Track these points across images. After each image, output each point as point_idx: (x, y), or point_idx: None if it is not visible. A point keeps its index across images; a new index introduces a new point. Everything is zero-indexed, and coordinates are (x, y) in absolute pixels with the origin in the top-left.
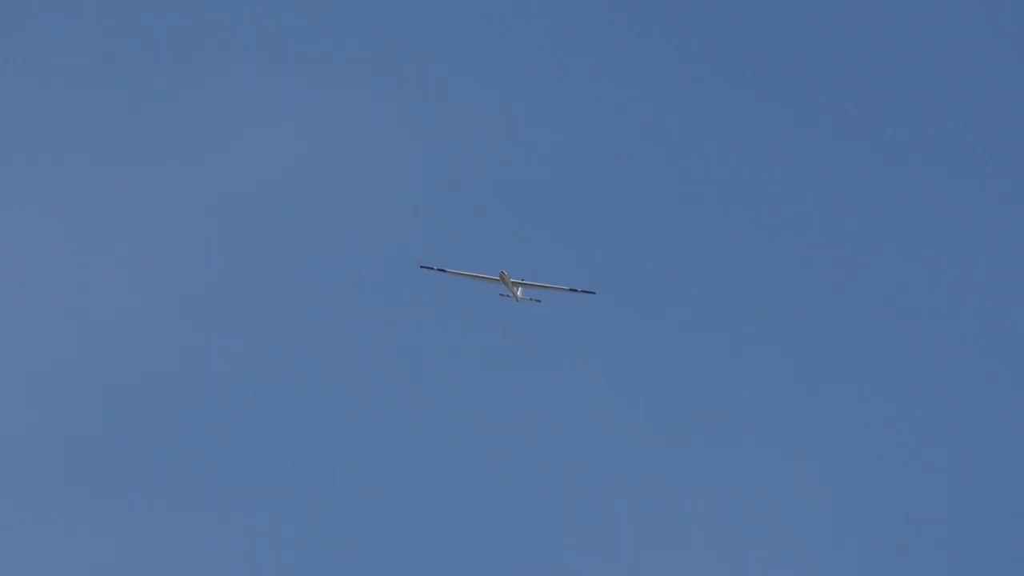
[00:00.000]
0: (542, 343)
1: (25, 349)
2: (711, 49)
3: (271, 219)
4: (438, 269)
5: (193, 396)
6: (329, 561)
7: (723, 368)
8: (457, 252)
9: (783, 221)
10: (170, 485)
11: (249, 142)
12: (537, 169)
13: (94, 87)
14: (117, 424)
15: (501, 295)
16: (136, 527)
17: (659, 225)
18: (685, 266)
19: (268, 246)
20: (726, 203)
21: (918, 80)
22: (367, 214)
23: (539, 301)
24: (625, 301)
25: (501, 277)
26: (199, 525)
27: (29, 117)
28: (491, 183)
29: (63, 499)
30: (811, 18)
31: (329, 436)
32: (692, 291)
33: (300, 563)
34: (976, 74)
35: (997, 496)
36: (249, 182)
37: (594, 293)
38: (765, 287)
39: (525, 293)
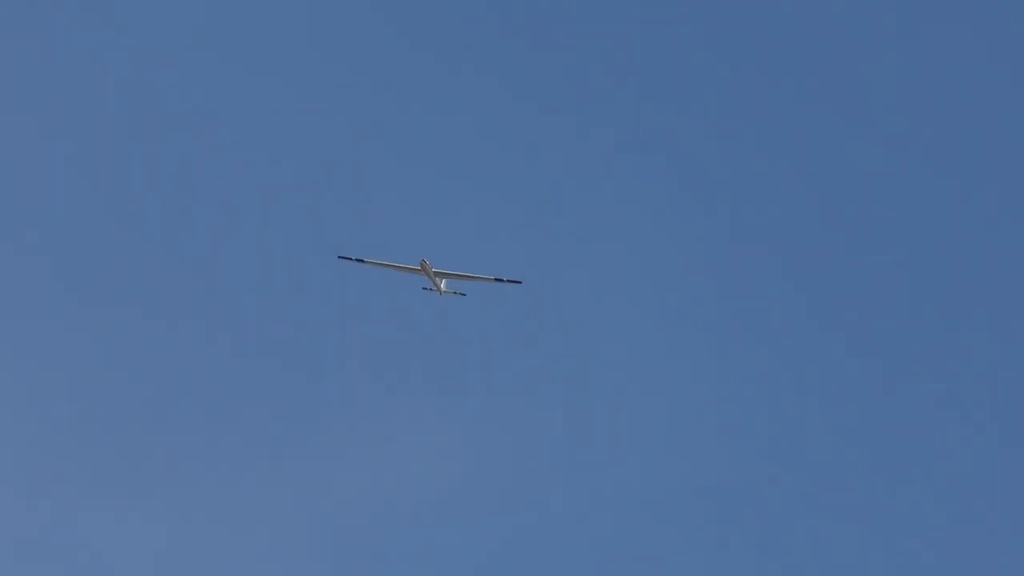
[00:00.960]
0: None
1: None
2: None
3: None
4: (356, 259)
5: None
6: None
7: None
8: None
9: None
10: None
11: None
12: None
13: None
14: None
15: (424, 288)
16: None
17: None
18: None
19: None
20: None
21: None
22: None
23: (464, 295)
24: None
25: (421, 266)
26: None
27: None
28: None
29: None
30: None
31: None
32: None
33: None
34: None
35: None
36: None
37: (520, 282)
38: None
39: (449, 286)
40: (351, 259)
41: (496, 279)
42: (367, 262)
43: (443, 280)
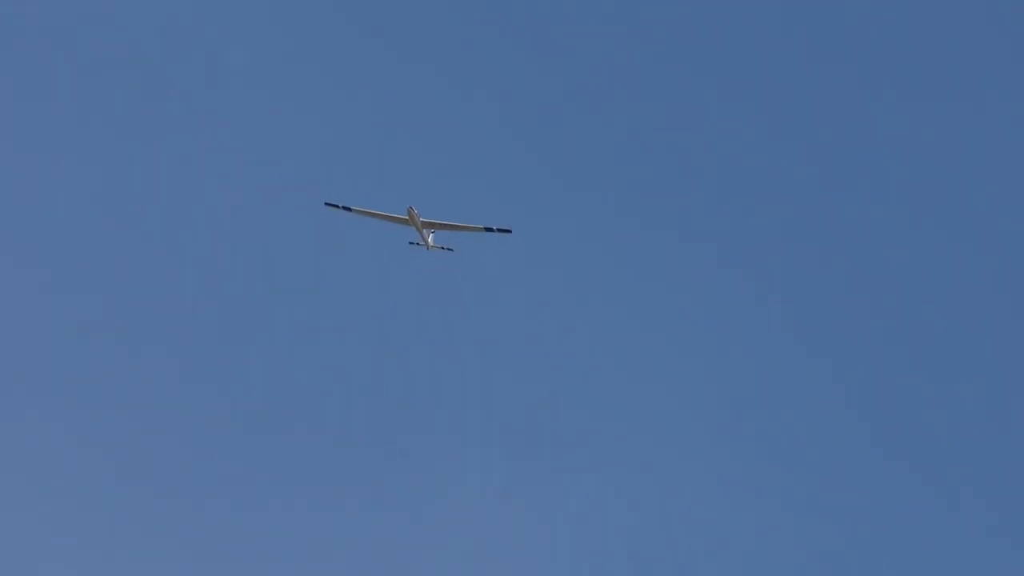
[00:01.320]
0: None
1: None
2: None
3: None
4: (343, 207)
5: None
6: None
7: None
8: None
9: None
10: None
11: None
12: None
13: None
14: None
15: (411, 243)
16: None
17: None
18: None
19: None
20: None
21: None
22: None
23: (451, 250)
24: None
25: (409, 215)
26: None
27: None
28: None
29: None
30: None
31: None
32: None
33: None
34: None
35: None
36: None
37: (510, 231)
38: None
39: (437, 240)
40: (338, 207)
41: (486, 228)
42: (354, 210)
43: (431, 234)
